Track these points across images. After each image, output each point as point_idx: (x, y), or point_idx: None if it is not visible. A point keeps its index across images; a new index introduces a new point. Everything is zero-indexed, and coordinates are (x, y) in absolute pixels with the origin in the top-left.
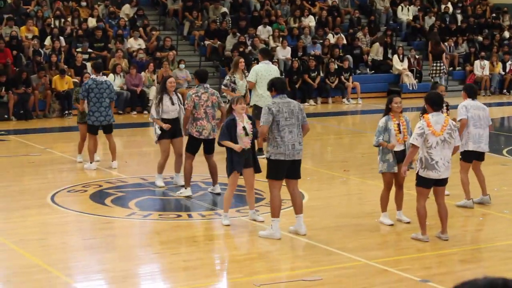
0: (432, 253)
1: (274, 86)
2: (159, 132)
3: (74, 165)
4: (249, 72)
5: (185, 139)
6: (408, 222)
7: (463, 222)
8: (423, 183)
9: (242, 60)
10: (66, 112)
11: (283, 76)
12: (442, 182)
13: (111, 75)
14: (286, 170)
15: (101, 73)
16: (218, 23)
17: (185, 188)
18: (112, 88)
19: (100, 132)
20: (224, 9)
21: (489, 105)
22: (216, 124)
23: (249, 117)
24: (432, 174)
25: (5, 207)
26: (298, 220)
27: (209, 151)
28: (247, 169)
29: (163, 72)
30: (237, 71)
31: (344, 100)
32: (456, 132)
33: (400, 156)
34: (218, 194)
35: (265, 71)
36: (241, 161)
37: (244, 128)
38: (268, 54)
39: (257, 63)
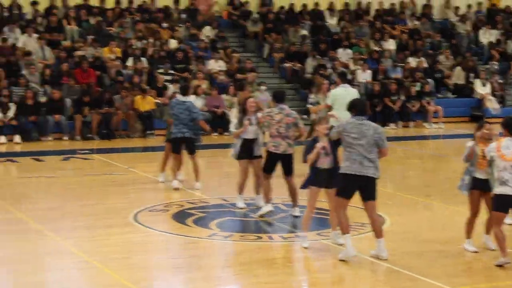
0: None
1: (354, 107)
2: (238, 149)
3: (156, 184)
4: None
5: None
6: (494, 250)
7: None
8: (499, 205)
9: (325, 82)
10: (148, 132)
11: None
12: None
13: (192, 96)
14: (353, 188)
15: (185, 95)
16: (298, 46)
17: (265, 204)
18: (192, 108)
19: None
20: (304, 32)
21: None
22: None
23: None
24: (506, 189)
25: (89, 225)
26: (379, 244)
27: (287, 171)
28: (330, 190)
29: (244, 94)
30: (320, 92)
31: (426, 124)
32: None
33: (480, 184)
34: (297, 217)
35: (342, 94)
36: (320, 180)
37: (324, 147)
38: (346, 78)
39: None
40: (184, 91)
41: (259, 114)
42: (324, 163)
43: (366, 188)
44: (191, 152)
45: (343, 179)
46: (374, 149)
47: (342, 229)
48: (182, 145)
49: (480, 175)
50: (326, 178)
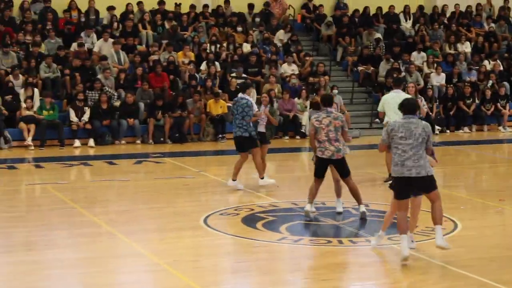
0: None
1: (402, 107)
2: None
3: (227, 188)
4: None
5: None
6: None
7: None
8: None
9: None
10: (220, 136)
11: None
12: None
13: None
14: (407, 190)
15: (244, 92)
16: (371, 49)
17: (308, 203)
18: (246, 106)
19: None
20: (378, 35)
21: None
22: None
23: None
24: None
25: (160, 228)
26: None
27: (343, 174)
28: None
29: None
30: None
31: (500, 128)
32: None
33: None
34: (364, 214)
35: (392, 99)
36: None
37: None
38: (400, 84)
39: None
40: (242, 89)
41: (309, 126)
42: None
43: (420, 187)
44: (240, 150)
45: (397, 183)
46: (422, 147)
47: (399, 229)
48: (237, 144)
49: None
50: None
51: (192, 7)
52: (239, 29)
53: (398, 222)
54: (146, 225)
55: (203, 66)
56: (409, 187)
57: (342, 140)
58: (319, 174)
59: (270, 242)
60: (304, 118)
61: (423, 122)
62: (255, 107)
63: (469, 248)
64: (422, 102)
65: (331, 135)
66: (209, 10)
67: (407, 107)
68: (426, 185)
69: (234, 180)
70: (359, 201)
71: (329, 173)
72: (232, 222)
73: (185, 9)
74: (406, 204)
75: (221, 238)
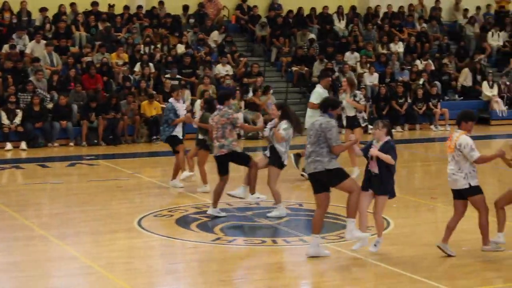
0: None
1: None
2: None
3: (161, 190)
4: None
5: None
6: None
7: None
8: None
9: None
10: (154, 137)
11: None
12: None
13: (198, 101)
14: (315, 185)
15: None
16: (305, 50)
17: (213, 207)
18: (166, 109)
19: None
20: (312, 36)
21: None
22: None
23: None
24: None
25: (93, 231)
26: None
27: (221, 171)
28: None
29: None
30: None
31: (432, 126)
32: None
33: None
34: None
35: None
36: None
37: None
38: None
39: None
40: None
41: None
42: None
43: (323, 182)
44: (174, 151)
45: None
46: (319, 145)
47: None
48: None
49: None
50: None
51: (126, 8)
52: (173, 30)
53: (313, 220)
54: (79, 228)
55: (137, 68)
56: (315, 182)
57: (231, 137)
58: (218, 172)
59: (204, 243)
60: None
61: (326, 119)
62: (181, 111)
63: (402, 246)
64: (358, 98)
65: (219, 132)
66: (143, 11)
67: (321, 105)
68: (328, 179)
69: (173, 180)
70: (214, 202)
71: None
72: (166, 224)
73: (118, 10)
74: (320, 200)
75: (155, 240)
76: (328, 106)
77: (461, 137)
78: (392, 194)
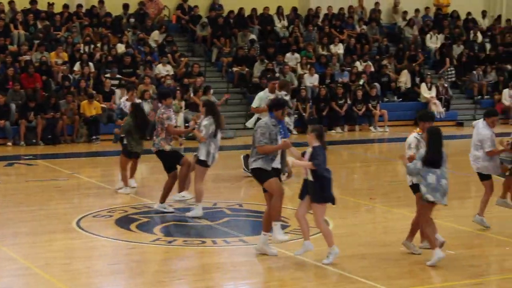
0: (459, 282)
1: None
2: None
3: (100, 190)
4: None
5: None
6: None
7: (490, 252)
8: None
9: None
10: (94, 137)
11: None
12: None
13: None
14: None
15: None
16: (246, 50)
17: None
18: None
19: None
20: (253, 36)
21: None
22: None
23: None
24: None
25: (31, 231)
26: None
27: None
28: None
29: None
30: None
31: (371, 128)
32: None
33: None
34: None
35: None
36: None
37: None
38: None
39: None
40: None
41: None
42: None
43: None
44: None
45: None
46: (254, 143)
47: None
48: None
49: None
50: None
51: (66, 7)
52: (113, 29)
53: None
54: (17, 229)
55: (77, 67)
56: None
57: (161, 136)
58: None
59: (143, 244)
60: (179, 119)
61: (264, 120)
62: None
63: (340, 246)
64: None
65: (157, 129)
66: (83, 10)
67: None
68: (256, 178)
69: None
70: (162, 198)
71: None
72: (106, 224)
73: (58, 9)
74: (265, 199)
75: (94, 241)
76: (272, 106)
77: None
78: (325, 200)
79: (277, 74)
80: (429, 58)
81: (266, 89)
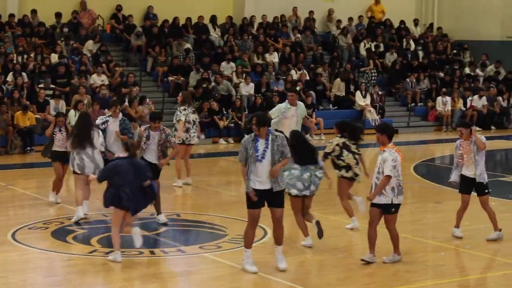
0: None
1: None
2: None
3: (35, 202)
4: None
5: None
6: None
7: (425, 257)
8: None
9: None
10: (28, 148)
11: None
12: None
13: (71, 111)
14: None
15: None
16: (181, 59)
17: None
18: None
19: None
20: (188, 45)
21: (450, 140)
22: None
23: None
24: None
25: None
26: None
27: None
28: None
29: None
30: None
31: (308, 136)
32: None
33: None
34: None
35: None
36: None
37: None
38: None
39: None
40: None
41: None
42: None
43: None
44: None
45: None
46: None
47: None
48: None
49: None
50: None
51: None
52: (47, 39)
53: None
54: None
55: (10, 77)
56: None
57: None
58: None
59: (81, 255)
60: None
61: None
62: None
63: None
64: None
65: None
66: (15, 19)
67: None
68: None
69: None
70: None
71: None
72: (42, 236)
73: None
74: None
75: (30, 253)
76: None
77: None
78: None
79: (213, 84)
80: (363, 66)
81: (287, 101)
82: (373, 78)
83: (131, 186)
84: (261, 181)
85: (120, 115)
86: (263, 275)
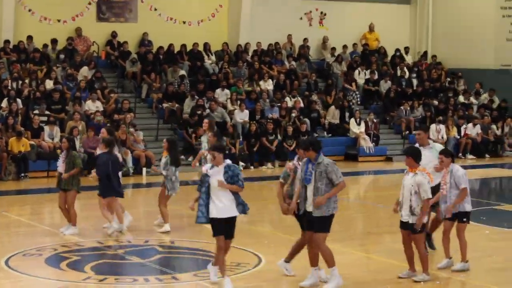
0: None
1: None
2: None
3: (29, 228)
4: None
5: None
6: None
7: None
8: None
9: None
10: (22, 174)
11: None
12: None
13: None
14: None
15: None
16: (176, 86)
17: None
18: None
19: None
20: (182, 72)
21: None
22: None
23: None
24: None
25: None
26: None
27: None
28: None
29: (120, 135)
30: None
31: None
32: None
33: None
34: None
35: None
36: None
37: None
38: None
39: None
40: None
41: None
42: None
43: None
44: None
45: None
46: None
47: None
48: None
49: None
50: None
51: None
52: (42, 65)
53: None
54: None
55: (4, 103)
56: None
57: None
58: None
59: (74, 282)
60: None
61: None
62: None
63: (273, 282)
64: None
65: None
66: (11, 45)
67: None
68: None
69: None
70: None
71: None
72: (35, 263)
73: None
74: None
75: (23, 280)
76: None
77: None
78: None
79: (207, 111)
80: (357, 93)
81: None
82: (356, 98)
83: None
84: None
85: None
86: None
